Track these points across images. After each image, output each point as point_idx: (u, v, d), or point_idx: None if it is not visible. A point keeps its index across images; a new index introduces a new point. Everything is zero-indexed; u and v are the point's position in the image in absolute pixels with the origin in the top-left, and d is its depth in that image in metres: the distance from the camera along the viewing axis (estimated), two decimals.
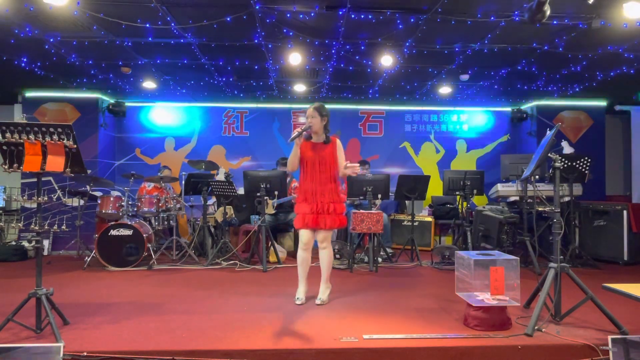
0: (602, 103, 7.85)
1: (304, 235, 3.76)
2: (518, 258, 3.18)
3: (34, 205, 3.15)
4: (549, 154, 3.31)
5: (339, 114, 8.23)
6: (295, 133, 3.69)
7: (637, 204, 6.03)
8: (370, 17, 4.39)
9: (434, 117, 8.41)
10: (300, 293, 3.82)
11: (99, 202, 5.78)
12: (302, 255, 3.80)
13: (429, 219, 7.29)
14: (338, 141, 3.89)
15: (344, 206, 3.83)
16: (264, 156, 8.10)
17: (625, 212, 5.72)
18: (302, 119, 8.20)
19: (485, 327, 3.01)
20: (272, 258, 5.79)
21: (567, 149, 6.78)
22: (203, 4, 4.18)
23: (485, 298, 3.08)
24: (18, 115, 7.41)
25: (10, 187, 7.54)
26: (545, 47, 5.14)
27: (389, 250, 6.09)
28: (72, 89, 7.23)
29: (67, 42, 5.08)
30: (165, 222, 6.18)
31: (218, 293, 4.16)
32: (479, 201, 7.65)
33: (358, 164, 3.94)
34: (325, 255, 3.82)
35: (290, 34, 4.83)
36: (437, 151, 8.38)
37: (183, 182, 6.17)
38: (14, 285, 4.55)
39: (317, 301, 3.75)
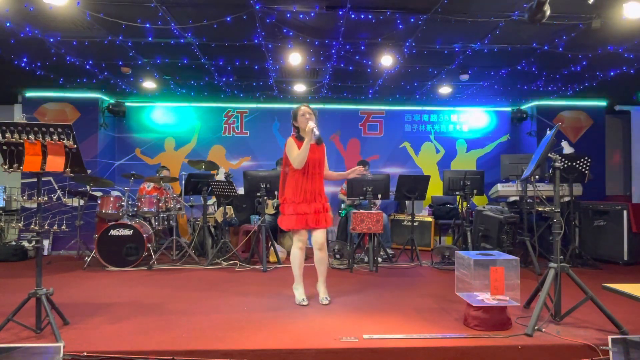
0: (602, 103, 7.84)
1: (304, 234, 3.78)
2: (518, 258, 3.18)
3: (34, 205, 3.15)
4: (549, 154, 3.31)
5: (339, 114, 8.25)
6: (316, 130, 3.64)
7: (637, 204, 6.03)
8: (370, 17, 4.40)
9: (434, 117, 8.41)
10: (304, 294, 3.82)
11: (99, 202, 5.78)
12: (300, 254, 3.82)
13: (429, 219, 7.29)
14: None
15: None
16: (264, 156, 8.10)
17: (625, 212, 5.72)
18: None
19: (485, 327, 3.01)
20: (272, 258, 5.79)
21: (567, 149, 6.78)
22: (203, 4, 4.18)
23: (485, 298, 3.08)
24: (18, 115, 7.41)
25: (10, 187, 7.53)
26: (545, 47, 5.14)
27: (389, 250, 6.09)
28: (72, 89, 7.22)
29: (67, 42, 5.08)
30: (165, 222, 6.18)
31: (218, 293, 4.16)
32: (479, 201, 7.66)
33: (361, 167, 4.05)
34: (325, 255, 3.86)
35: (290, 34, 4.83)
36: (437, 151, 8.38)
37: (183, 182, 6.17)
38: (14, 285, 4.55)
39: (325, 301, 3.75)
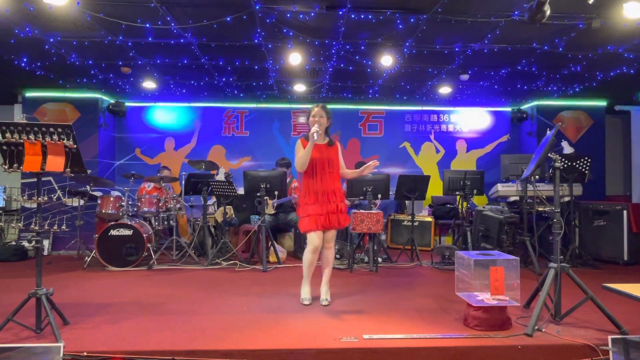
0: (602, 103, 7.85)
1: (317, 238, 3.68)
2: (518, 258, 3.18)
3: (34, 205, 3.15)
4: (549, 154, 3.31)
5: (339, 114, 8.24)
6: (315, 135, 3.61)
7: (637, 204, 6.03)
8: (370, 17, 4.40)
9: (434, 117, 8.41)
10: (309, 293, 3.82)
11: (99, 202, 5.77)
12: (313, 258, 3.76)
13: (429, 219, 7.29)
14: (338, 143, 3.96)
15: (347, 205, 3.89)
16: (264, 156, 8.10)
17: (625, 212, 5.71)
18: (302, 119, 8.20)
19: (485, 327, 3.01)
20: (272, 258, 5.79)
21: (567, 149, 6.77)
22: (203, 4, 4.18)
23: (485, 298, 3.08)
24: (18, 115, 7.41)
25: (10, 187, 7.53)
26: (545, 47, 5.14)
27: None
28: (72, 89, 7.23)
29: (67, 42, 5.08)
30: (165, 222, 6.18)
31: (218, 293, 4.16)
32: (479, 201, 7.65)
33: (375, 161, 3.90)
34: (331, 255, 3.86)
35: (290, 34, 4.83)
36: (437, 151, 8.38)
37: (183, 182, 6.17)
38: (14, 285, 4.55)
39: (325, 302, 3.74)
